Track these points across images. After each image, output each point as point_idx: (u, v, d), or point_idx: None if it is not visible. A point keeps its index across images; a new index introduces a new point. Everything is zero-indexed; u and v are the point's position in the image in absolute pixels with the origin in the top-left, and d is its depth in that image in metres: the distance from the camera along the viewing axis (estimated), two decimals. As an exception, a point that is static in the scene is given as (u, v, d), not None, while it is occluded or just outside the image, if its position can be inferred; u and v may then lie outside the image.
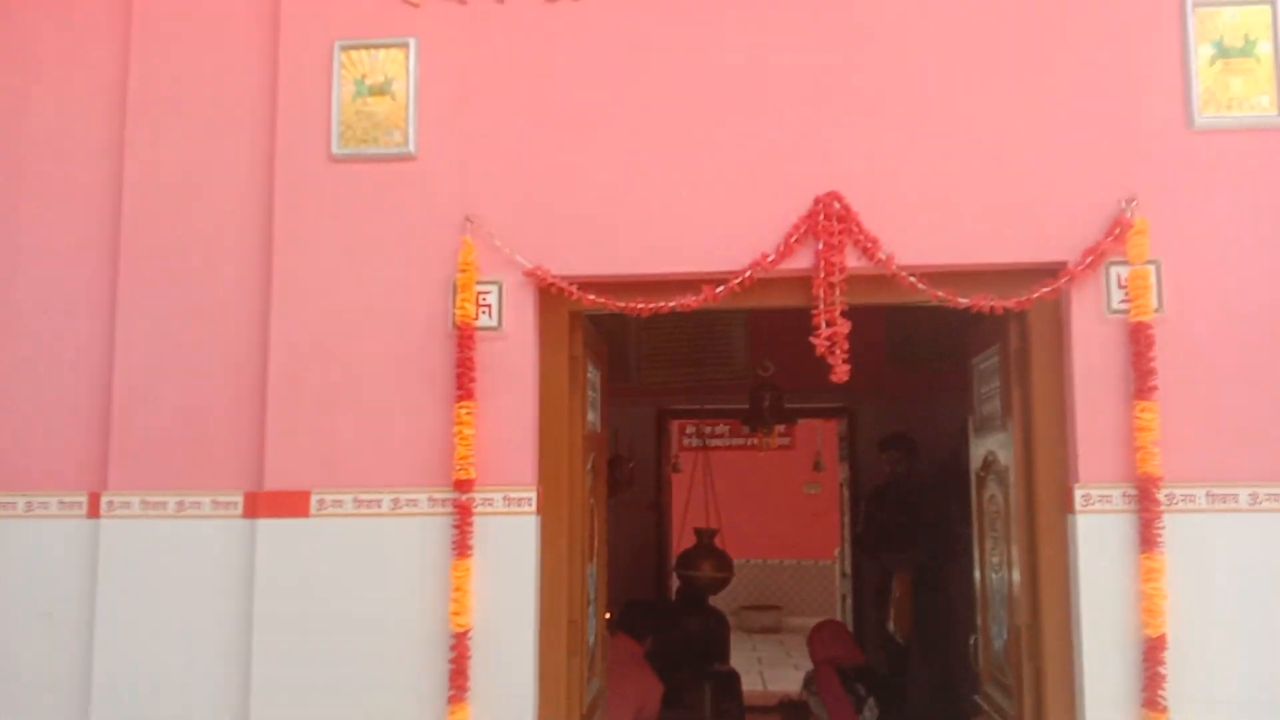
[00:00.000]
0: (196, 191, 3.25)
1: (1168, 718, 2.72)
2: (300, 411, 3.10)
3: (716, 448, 10.80)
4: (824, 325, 2.97)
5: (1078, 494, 2.86)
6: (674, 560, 5.80)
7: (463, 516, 2.97)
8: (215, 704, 3.06)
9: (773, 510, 12.49)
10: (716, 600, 6.04)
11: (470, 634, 2.93)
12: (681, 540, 6.28)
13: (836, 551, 9.40)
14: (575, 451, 3.15)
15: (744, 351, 6.68)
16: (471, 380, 3.01)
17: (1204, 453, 2.84)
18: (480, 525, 2.98)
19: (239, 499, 3.12)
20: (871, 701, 4.47)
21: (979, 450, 3.59)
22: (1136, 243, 2.89)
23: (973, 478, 3.66)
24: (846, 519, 7.13)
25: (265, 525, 3.06)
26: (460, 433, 2.99)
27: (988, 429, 3.50)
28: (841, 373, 2.96)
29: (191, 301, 3.22)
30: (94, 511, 3.18)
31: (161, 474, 3.16)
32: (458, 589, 2.94)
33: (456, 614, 2.93)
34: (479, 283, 3.07)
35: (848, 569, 7.25)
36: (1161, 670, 2.73)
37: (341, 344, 3.12)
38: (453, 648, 2.92)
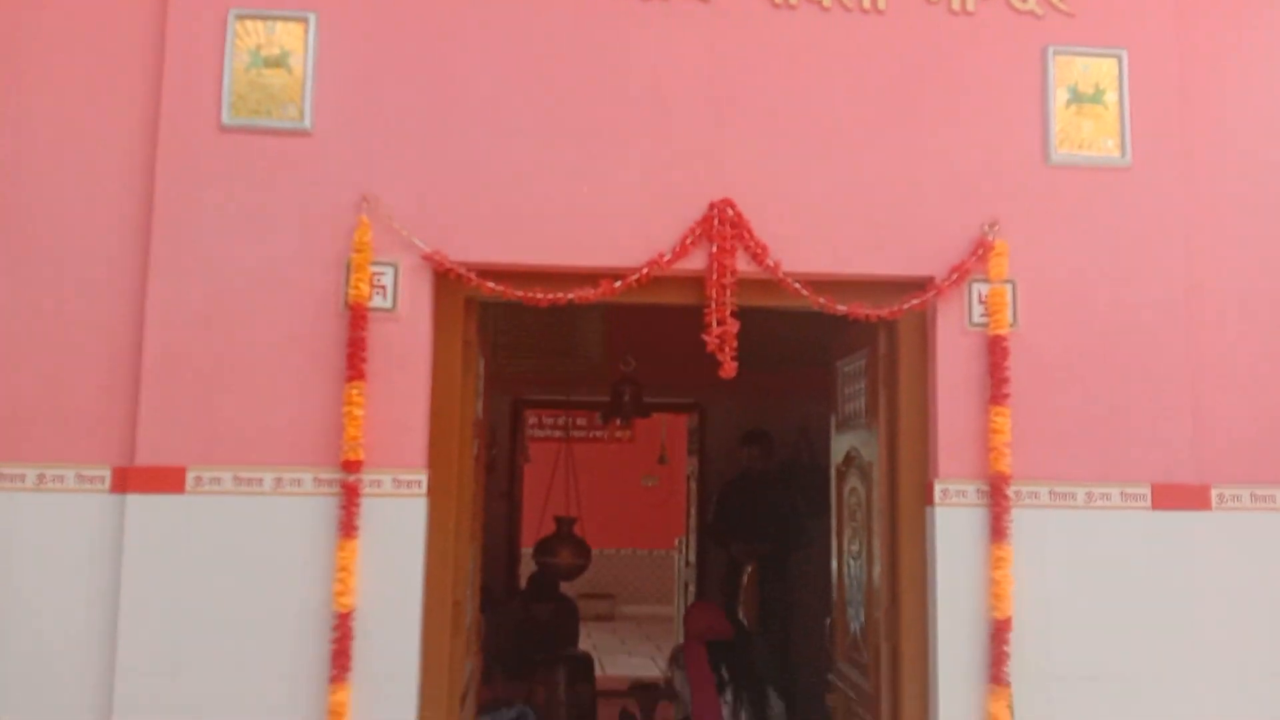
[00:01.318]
0: (73, 154, 3.09)
1: (1010, 691, 2.99)
2: (178, 386, 3.00)
3: (557, 439, 10.91)
4: (715, 324, 3.11)
5: (937, 488, 3.11)
6: (533, 547, 5.86)
7: (349, 497, 2.95)
8: (79, 686, 2.92)
9: (611, 502, 12.71)
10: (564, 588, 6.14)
11: (353, 615, 2.91)
12: (540, 529, 6.35)
13: (678, 541, 9.66)
14: (465, 437, 3.17)
15: (600, 346, 6.81)
16: (362, 360, 2.99)
17: (1048, 455, 3.14)
18: (367, 507, 2.96)
19: (106, 473, 2.99)
20: (730, 688, 4.67)
21: (840, 446, 3.82)
22: (996, 263, 3.16)
23: (833, 472, 3.89)
24: (694, 510, 7.36)
25: (136, 501, 2.95)
26: (349, 413, 2.97)
27: (849, 427, 3.73)
28: (730, 369, 3.11)
29: (62, 268, 3.05)
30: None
31: (20, 445, 2.99)
32: (343, 569, 2.92)
33: (341, 594, 2.91)
34: (374, 264, 3.05)
35: (691, 558, 7.49)
36: (1006, 649, 3.00)
37: (225, 318, 3.04)
38: (335, 628, 2.90)
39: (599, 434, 11.31)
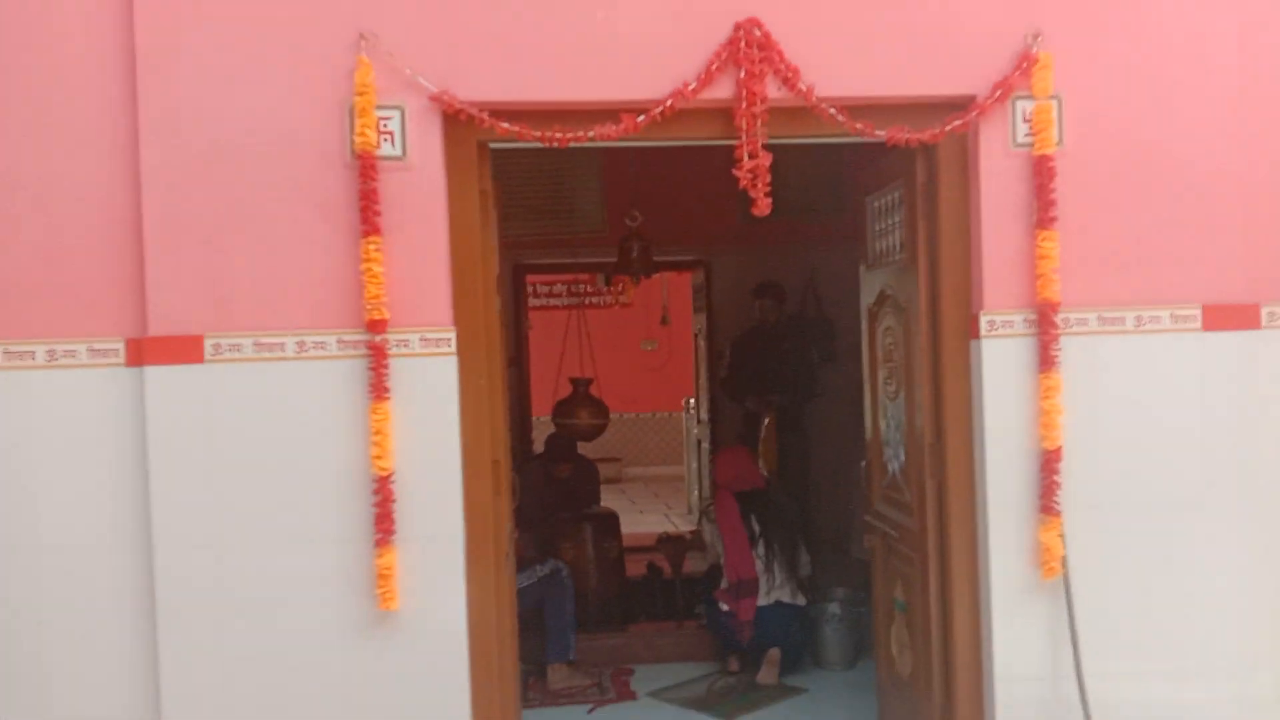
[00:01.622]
0: (45, 3, 2.83)
1: (1061, 521, 2.95)
2: (183, 249, 2.84)
3: (554, 307, 10.77)
4: (746, 158, 2.93)
5: (983, 320, 3.00)
6: (551, 411, 5.79)
7: (378, 359, 2.82)
8: (113, 571, 2.85)
9: (611, 368, 12.67)
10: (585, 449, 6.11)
11: (393, 478, 2.83)
12: (551, 397, 6.28)
13: (685, 401, 9.66)
14: (489, 291, 3.03)
15: (599, 204, 6.60)
16: (376, 214, 2.82)
17: (1096, 279, 3.02)
18: (396, 367, 2.85)
19: (120, 346, 2.86)
20: (763, 541, 4.64)
21: (872, 285, 3.70)
22: (1041, 78, 2.96)
23: (864, 313, 3.77)
24: (704, 368, 7.28)
25: (154, 373, 2.82)
26: (368, 270, 2.82)
27: (882, 265, 3.60)
28: (764, 206, 2.95)
29: (45, 131, 2.85)
30: (-65, 365, 2.84)
31: (25, 321, 2.84)
32: (378, 432, 2.82)
33: (378, 457, 2.81)
34: (379, 108, 2.84)
35: (704, 415, 7.46)
36: (1057, 479, 2.95)
37: (225, 174, 2.85)
38: (376, 491, 2.82)
39: (595, 300, 11.16)
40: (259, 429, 2.85)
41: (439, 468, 2.89)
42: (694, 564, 5.51)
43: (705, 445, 7.46)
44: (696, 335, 7.62)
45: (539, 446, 6.35)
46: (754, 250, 6.73)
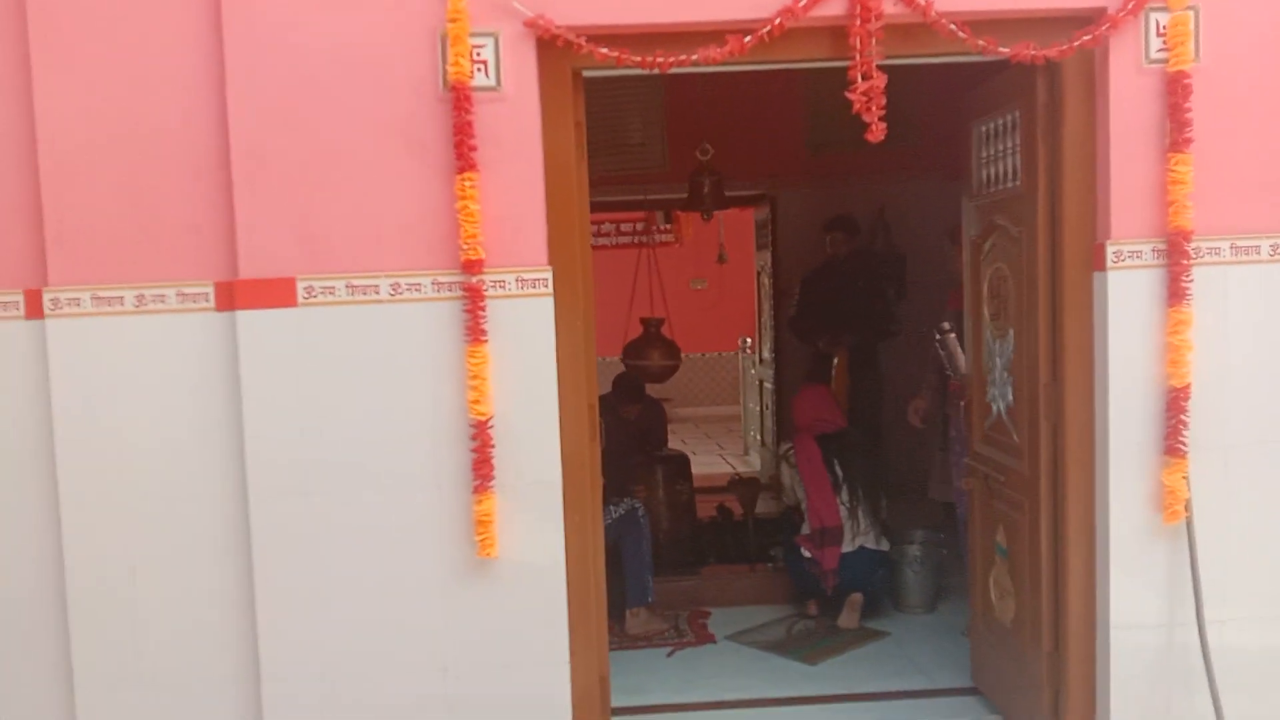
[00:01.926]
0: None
1: (1185, 462, 2.81)
2: (272, 189, 2.73)
3: (604, 246, 10.60)
4: (859, 80, 2.75)
5: (1109, 250, 2.83)
6: (621, 351, 5.67)
7: (474, 300, 2.71)
8: (207, 519, 2.80)
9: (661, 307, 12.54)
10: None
11: (491, 422, 2.73)
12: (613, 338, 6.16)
13: (743, 340, 9.52)
14: (583, 229, 2.90)
15: (660, 138, 6.41)
16: (472, 149, 2.69)
17: (1230, 205, 2.83)
18: (493, 309, 2.74)
19: (209, 290, 2.77)
20: (846, 487, 4.51)
21: (977, 217, 3.51)
22: (1177, -14, 2.75)
23: (968, 246, 3.60)
24: (768, 306, 7.12)
25: (246, 318, 2.73)
26: (465, 208, 2.70)
27: (988, 195, 3.41)
28: (878, 131, 2.78)
29: (122, 65, 2.75)
30: (35, 311, 2.77)
31: (112, 265, 2.76)
32: (475, 376, 2.72)
33: (476, 402, 2.72)
34: (471, 35, 2.69)
35: (767, 354, 7.32)
36: (1184, 418, 2.80)
37: (313, 109, 2.74)
38: (474, 437, 2.73)
39: (645, 239, 10.98)
40: (354, 374, 2.76)
41: (537, 412, 2.79)
42: (765, 505, 5.42)
43: (769, 385, 7.33)
44: (760, 273, 7.44)
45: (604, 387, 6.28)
46: (820, 184, 6.53)
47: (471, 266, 2.70)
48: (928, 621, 4.57)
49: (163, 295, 2.76)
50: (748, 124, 6.14)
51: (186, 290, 2.76)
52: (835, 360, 5.67)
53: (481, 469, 2.73)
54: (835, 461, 4.55)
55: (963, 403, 3.68)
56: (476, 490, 2.74)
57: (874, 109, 2.76)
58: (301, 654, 2.80)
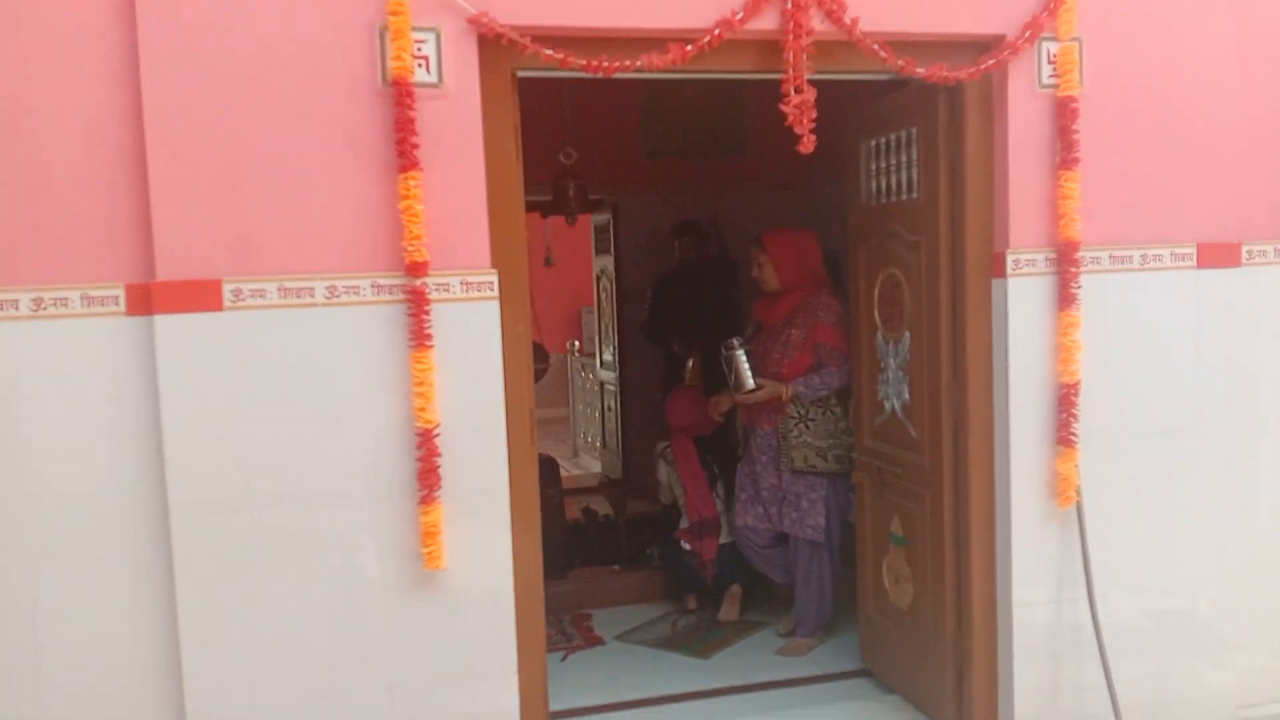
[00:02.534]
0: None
1: (1077, 451, 3.09)
2: (196, 185, 2.53)
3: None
4: (793, 92, 2.86)
5: (1009, 259, 3.07)
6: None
7: (418, 304, 2.62)
8: (120, 542, 2.56)
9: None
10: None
11: (436, 431, 2.64)
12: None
13: (571, 343, 9.57)
14: (520, 230, 2.85)
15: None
16: (415, 146, 2.60)
17: (1107, 219, 3.13)
18: (435, 313, 2.65)
19: (120, 292, 2.53)
20: (721, 482, 4.66)
21: (868, 226, 3.71)
22: (1065, 19, 3.02)
23: (857, 253, 3.79)
24: (611, 310, 7.19)
25: (165, 323, 2.51)
26: (408, 208, 2.59)
27: (880, 206, 3.61)
28: (809, 143, 2.89)
29: (16, 54, 2.45)
30: (-94, 316, 2.44)
31: (6, 266, 2.46)
32: (421, 383, 2.62)
33: (422, 410, 2.63)
34: (413, 29, 2.60)
35: (609, 357, 7.39)
36: (1075, 412, 3.08)
37: (242, 102, 2.55)
38: (420, 445, 2.63)
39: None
40: (288, 382, 2.60)
41: (483, 418, 2.72)
42: (634, 506, 5.49)
43: (611, 388, 7.41)
44: (599, 276, 7.51)
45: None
46: (658, 190, 6.68)
47: (416, 269, 2.60)
48: (799, 611, 4.77)
49: (65, 299, 2.49)
50: (592, 130, 6.19)
51: (93, 293, 2.51)
52: (689, 363, 5.81)
53: (428, 478, 2.64)
54: (709, 459, 4.70)
55: (850, 403, 3.87)
56: (423, 501, 2.64)
57: (805, 121, 2.87)
58: (232, 686, 2.61)
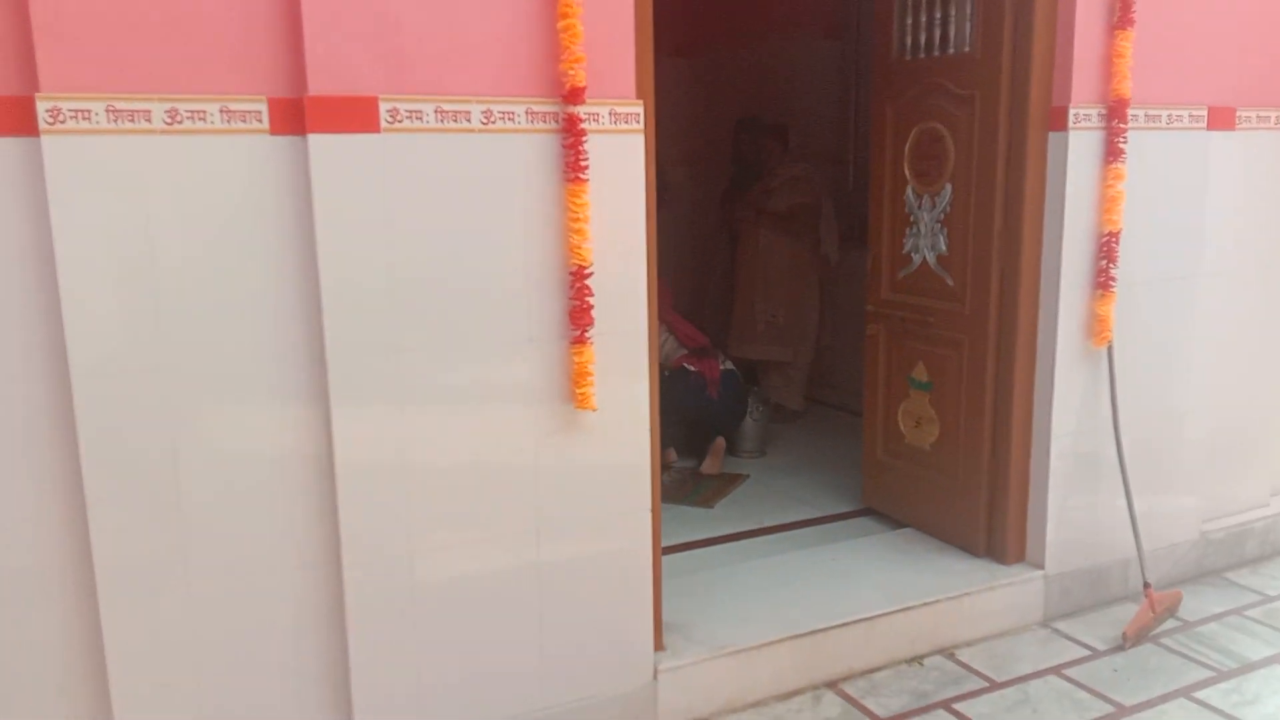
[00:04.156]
0: None
1: (1114, 294, 3.38)
2: (347, -13, 2.25)
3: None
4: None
5: (1071, 113, 3.26)
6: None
7: (575, 134, 2.48)
8: (273, 380, 2.33)
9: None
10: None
11: (589, 270, 2.55)
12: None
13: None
14: (650, 60, 2.73)
15: None
16: (572, -46, 2.42)
17: (1140, 79, 3.37)
18: (588, 145, 2.52)
19: (262, 107, 2.24)
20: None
21: (903, 80, 3.79)
22: (1131, -119, 3.18)
23: (886, 107, 3.88)
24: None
25: (321, 143, 2.25)
26: (568, 27, 2.43)
27: (920, 59, 3.70)
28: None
29: None
30: (20, 125, 2.06)
31: (134, 72, 2.12)
32: (576, 219, 2.51)
33: (577, 247, 2.52)
34: None
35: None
36: (1115, 258, 3.36)
37: (388, -106, 2.27)
38: (573, 283, 2.54)
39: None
40: (443, 215, 2.41)
41: (628, 258, 2.64)
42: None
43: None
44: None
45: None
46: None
47: (574, 95, 2.46)
48: (768, 464, 4.99)
49: (202, 111, 2.18)
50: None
51: (233, 106, 2.20)
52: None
53: (581, 318, 2.55)
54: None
55: (869, 260, 4.02)
56: (575, 341, 2.56)
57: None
58: (385, 517, 2.46)
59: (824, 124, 6.39)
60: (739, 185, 5.77)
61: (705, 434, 4.84)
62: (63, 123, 2.06)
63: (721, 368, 4.84)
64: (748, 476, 4.77)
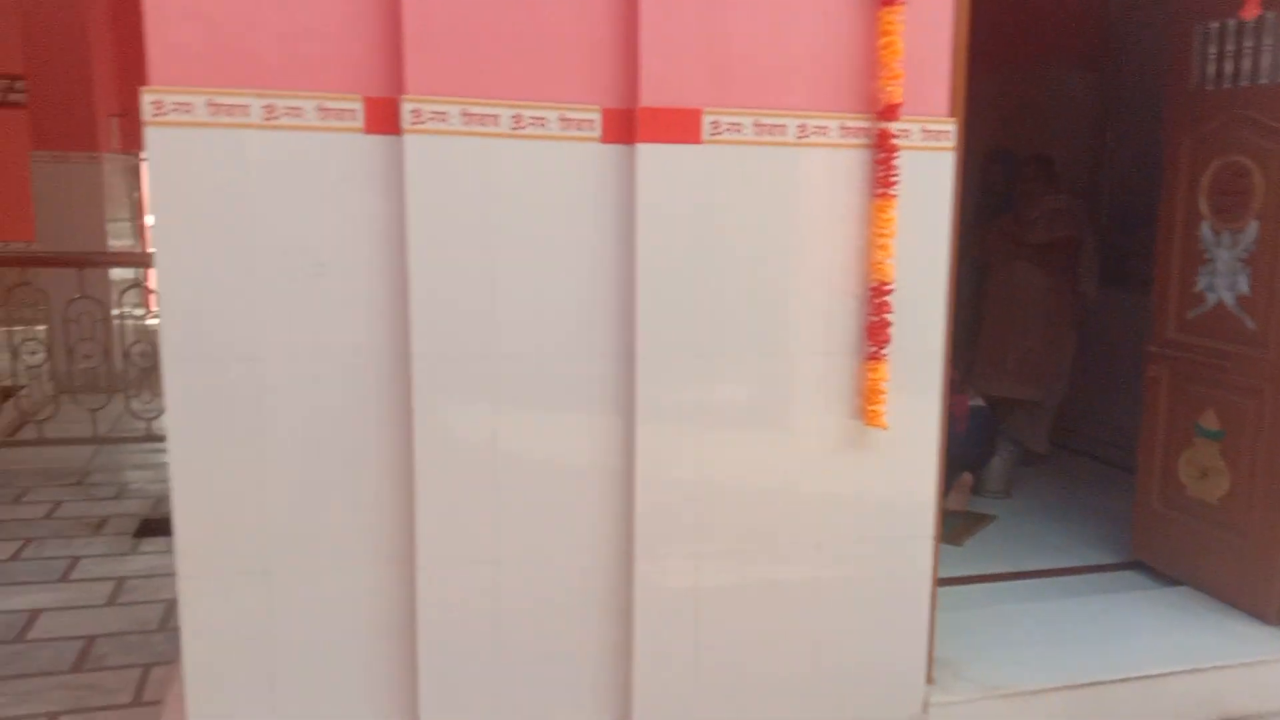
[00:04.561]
0: None
1: None
2: (683, 6, 2.34)
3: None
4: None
5: None
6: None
7: (887, 150, 2.47)
8: (581, 378, 2.43)
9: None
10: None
11: (890, 286, 2.53)
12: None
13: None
14: (964, 78, 2.69)
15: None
16: (898, -27, 2.42)
17: None
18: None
19: (595, 116, 2.35)
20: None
21: (1202, 112, 3.59)
22: None
23: (1180, 139, 3.68)
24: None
25: (649, 152, 2.35)
26: (889, 44, 2.43)
27: (1222, 90, 3.49)
28: (1253, 7, 2.76)
29: None
30: (382, 124, 2.25)
31: (486, 79, 2.28)
32: (882, 234, 2.50)
33: (879, 262, 2.51)
34: None
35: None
36: None
37: (724, -85, 2.35)
38: (873, 299, 2.52)
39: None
40: (752, 226, 2.46)
41: (929, 276, 2.61)
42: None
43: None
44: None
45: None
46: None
47: (890, 111, 2.45)
48: (1014, 505, 4.78)
49: (543, 118, 2.31)
50: None
51: (570, 115, 2.33)
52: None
53: (879, 335, 2.53)
54: None
55: (1154, 296, 3.80)
56: (870, 358, 2.54)
57: (1260, -16, 2.74)
58: (677, 496, 2.52)
59: (1077, 156, 6.12)
60: (986, 216, 5.59)
61: (950, 469, 4.67)
62: (423, 123, 2.23)
63: (970, 403, 4.68)
64: (995, 517, 4.58)
